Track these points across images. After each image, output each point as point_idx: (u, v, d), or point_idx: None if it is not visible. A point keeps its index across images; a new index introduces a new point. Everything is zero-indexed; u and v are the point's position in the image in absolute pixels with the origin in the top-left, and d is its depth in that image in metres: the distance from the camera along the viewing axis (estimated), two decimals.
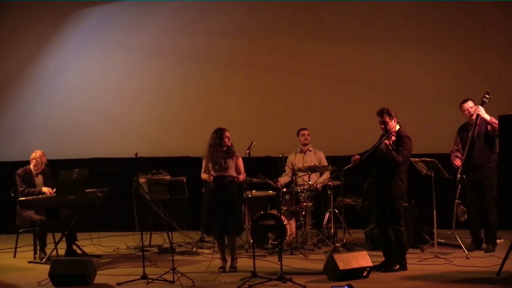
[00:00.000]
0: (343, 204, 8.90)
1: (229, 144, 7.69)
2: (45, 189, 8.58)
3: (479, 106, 8.20)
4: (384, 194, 7.41)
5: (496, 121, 8.10)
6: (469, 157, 8.31)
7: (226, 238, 7.79)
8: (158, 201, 8.95)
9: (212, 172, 7.73)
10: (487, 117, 8.19)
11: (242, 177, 7.79)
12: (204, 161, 7.81)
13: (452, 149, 8.65)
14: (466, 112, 8.37)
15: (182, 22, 11.11)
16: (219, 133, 7.70)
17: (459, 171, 8.35)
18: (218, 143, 7.66)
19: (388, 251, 7.52)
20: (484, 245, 8.50)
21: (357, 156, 7.45)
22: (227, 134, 7.70)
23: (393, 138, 7.31)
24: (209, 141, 7.73)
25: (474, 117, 8.26)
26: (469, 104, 8.34)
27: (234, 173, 7.74)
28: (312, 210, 9.01)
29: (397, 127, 7.43)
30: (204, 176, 7.84)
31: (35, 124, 11.21)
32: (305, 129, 9.54)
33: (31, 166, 8.77)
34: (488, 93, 8.16)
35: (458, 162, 8.43)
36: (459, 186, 8.37)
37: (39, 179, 8.78)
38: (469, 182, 8.37)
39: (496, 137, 8.17)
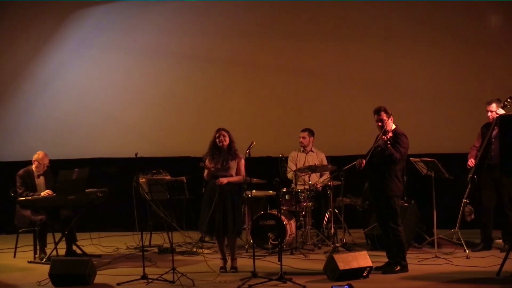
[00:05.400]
0: (343, 204, 8.90)
1: (225, 142, 7.69)
2: (44, 193, 8.54)
3: (500, 109, 8.19)
4: (380, 192, 7.40)
5: None
6: (485, 157, 8.29)
7: (226, 238, 7.78)
8: (158, 201, 8.95)
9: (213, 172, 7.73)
10: None
11: (237, 178, 7.75)
12: (206, 161, 7.81)
13: (472, 145, 8.60)
14: (488, 113, 8.36)
15: (182, 22, 11.11)
16: (215, 133, 7.75)
17: (471, 171, 8.33)
18: (214, 143, 7.70)
19: (390, 252, 7.51)
20: (498, 242, 8.47)
21: (361, 160, 7.42)
22: (221, 133, 7.71)
23: (390, 134, 7.32)
24: (210, 140, 7.77)
25: (493, 119, 8.26)
26: (492, 107, 8.30)
27: (234, 174, 7.74)
28: (312, 210, 9.01)
29: (393, 126, 7.43)
30: (207, 175, 7.85)
31: (35, 124, 11.21)
32: (302, 131, 9.51)
33: (33, 167, 8.77)
34: (510, 97, 8.12)
35: (471, 162, 8.40)
36: (469, 186, 8.36)
37: (40, 180, 8.76)
38: (485, 182, 8.34)
39: None
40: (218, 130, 7.76)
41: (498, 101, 8.30)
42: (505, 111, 8.20)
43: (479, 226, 8.56)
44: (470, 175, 8.33)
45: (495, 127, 8.20)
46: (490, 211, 8.45)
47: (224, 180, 7.61)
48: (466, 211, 8.40)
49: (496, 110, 8.26)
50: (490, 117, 8.33)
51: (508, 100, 8.17)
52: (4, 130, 11.26)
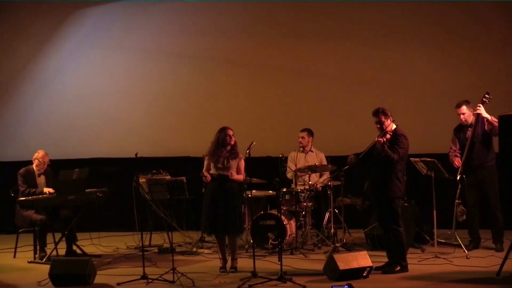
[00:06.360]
0: (343, 204, 8.90)
1: (232, 142, 7.70)
2: (46, 190, 8.58)
3: (480, 105, 8.22)
4: (382, 194, 7.41)
5: (497, 120, 8.12)
6: (469, 158, 8.32)
7: (226, 238, 7.78)
8: (158, 201, 8.95)
9: (213, 171, 7.73)
10: (487, 116, 8.20)
11: (240, 177, 7.79)
12: (206, 159, 7.81)
13: (449, 149, 8.66)
14: (460, 116, 8.46)
15: (183, 22, 11.11)
16: (222, 133, 7.72)
17: (459, 171, 8.36)
18: (221, 142, 7.69)
19: (390, 252, 7.52)
20: (491, 244, 8.49)
21: (352, 156, 7.45)
22: (229, 132, 7.71)
23: (388, 136, 7.31)
24: (213, 140, 7.76)
25: (473, 117, 8.30)
26: (463, 109, 8.43)
27: (235, 173, 7.74)
28: (312, 210, 9.01)
29: (393, 126, 7.43)
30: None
31: (35, 124, 11.21)
32: (301, 131, 9.51)
33: (34, 166, 8.77)
34: (487, 93, 8.20)
35: (458, 162, 8.45)
36: (459, 187, 8.38)
37: (41, 179, 8.78)
38: (469, 182, 8.38)
39: (495, 135, 8.19)
40: (226, 128, 7.73)
41: (467, 102, 8.44)
42: (484, 107, 8.21)
43: (467, 225, 8.61)
44: (459, 175, 8.35)
45: (476, 127, 8.24)
46: (475, 210, 8.48)
47: (235, 175, 7.64)
48: (458, 211, 8.41)
49: (467, 112, 8.38)
50: (462, 119, 8.45)
51: (486, 96, 8.21)
52: (4, 130, 11.26)
